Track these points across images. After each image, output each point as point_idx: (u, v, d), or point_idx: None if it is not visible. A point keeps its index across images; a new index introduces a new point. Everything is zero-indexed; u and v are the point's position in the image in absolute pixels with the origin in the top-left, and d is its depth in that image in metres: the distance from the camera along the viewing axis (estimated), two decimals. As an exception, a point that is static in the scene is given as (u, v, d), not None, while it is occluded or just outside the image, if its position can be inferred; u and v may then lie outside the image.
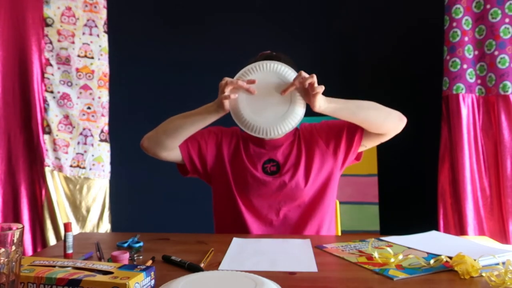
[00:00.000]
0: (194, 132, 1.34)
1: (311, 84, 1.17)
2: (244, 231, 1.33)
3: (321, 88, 1.17)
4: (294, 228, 1.34)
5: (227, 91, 1.20)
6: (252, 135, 1.31)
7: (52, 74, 2.45)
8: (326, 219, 1.38)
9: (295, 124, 1.23)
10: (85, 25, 2.48)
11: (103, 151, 2.52)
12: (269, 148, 1.39)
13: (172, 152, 1.35)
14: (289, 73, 1.22)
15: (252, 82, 1.21)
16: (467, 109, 2.12)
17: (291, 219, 1.34)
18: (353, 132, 1.36)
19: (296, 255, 1.03)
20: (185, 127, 1.30)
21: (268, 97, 1.21)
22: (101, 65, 2.50)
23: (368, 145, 1.40)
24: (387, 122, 1.32)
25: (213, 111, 1.26)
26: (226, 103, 1.21)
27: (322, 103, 1.20)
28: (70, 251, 1.03)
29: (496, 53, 2.05)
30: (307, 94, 1.20)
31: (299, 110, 1.22)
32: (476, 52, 2.13)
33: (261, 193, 1.34)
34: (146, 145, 1.37)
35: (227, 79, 1.22)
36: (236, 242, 1.15)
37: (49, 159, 2.44)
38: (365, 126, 1.33)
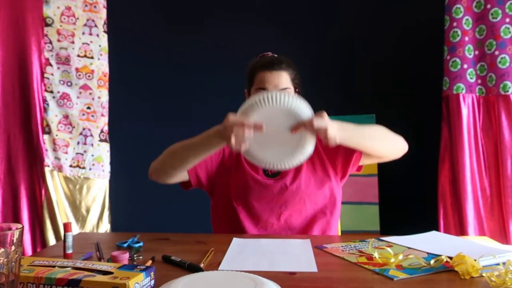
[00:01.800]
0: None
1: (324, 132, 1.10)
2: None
3: (333, 131, 1.10)
4: (296, 234, 1.34)
5: (237, 137, 1.08)
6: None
7: (52, 74, 2.45)
8: (330, 226, 1.37)
9: (303, 159, 1.16)
10: (85, 25, 2.48)
11: (103, 151, 2.52)
12: None
13: (180, 176, 1.34)
14: (300, 108, 1.10)
15: (259, 127, 1.09)
16: (467, 109, 2.12)
17: (292, 224, 1.33)
18: (351, 152, 1.35)
19: (296, 255, 1.03)
20: (190, 160, 1.27)
21: (277, 133, 1.11)
22: (101, 65, 2.50)
23: (366, 163, 1.40)
24: (390, 153, 1.32)
25: (216, 144, 1.18)
26: (237, 146, 1.09)
27: (335, 138, 1.11)
28: (69, 251, 1.03)
29: (496, 53, 2.05)
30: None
31: (309, 147, 1.14)
32: (477, 52, 2.12)
33: (262, 196, 1.33)
34: (155, 177, 1.34)
35: (232, 119, 1.08)
36: (236, 242, 1.15)
37: (48, 159, 2.44)
38: (368, 153, 1.32)
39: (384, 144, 1.31)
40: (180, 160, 1.28)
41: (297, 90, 1.41)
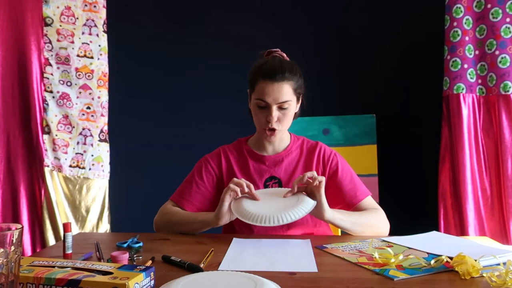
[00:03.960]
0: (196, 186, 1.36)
1: (313, 178, 1.15)
2: None
3: (323, 178, 1.16)
4: None
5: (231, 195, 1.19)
6: (250, 151, 1.33)
7: (52, 74, 2.44)
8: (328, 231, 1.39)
9: (304, 213, 1.15)
10: (85, 24, 2.47)
11: (103, 151, 2.51)
12: (270, 164, 1.37)
13: None
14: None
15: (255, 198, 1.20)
16: (467, 109, 2.11)
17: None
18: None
19: (296, 255, 1.03)
20: (189, 231, 1.28)
21: (274, 201, 1.19)
22: (101, 65, 2.49)
23: None
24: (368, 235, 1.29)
25: (213, 224, 1.23)
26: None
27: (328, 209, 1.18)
28: (69, 251, 1.02)
29: (497, 52, 2.05)
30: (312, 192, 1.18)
31: (310, 201, 1.17)
32: (477, 52, 2.12)
33: None
34: (156, 228, 1.36)
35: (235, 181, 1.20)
36: (236, 242, 1.15)
37: (48, 159, 2.43)
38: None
39: (365, 233, 1.27)
40: (176, 226, 1.29)
41: (300, 98, 1.37)
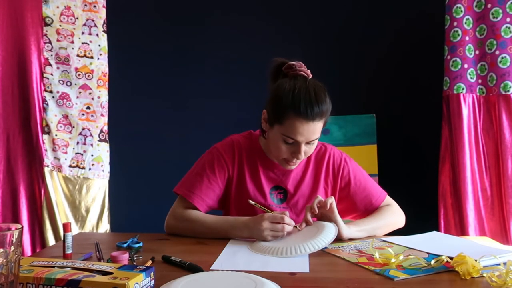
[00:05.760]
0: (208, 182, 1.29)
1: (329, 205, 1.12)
2: None
3: (332, 199, 1.13)
4: None
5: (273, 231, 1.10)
6: (262, 153, 1.28)
7: (51, 74, 2.44)
8: None
9: (333, 236, 1.09)
10: (85, 24, 2.47)
11: (103, 151, 2.51)
12: (278, 172, 1.30)
13: None
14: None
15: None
16: (467, 109, 2.11)
17: None
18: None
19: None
20: (209, 236, 1.21)
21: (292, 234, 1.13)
22: (101, 65, 2.49)
23: None
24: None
25: (244, 235, 1.16)
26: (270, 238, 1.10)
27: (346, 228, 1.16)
28: (69, 251, 1.02)
29: (497, 52, 2.05)
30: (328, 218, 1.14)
31: (330, 225, 1.12)
32: (477, 52, 2.12)
33: None
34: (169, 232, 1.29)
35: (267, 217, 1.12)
36: (233, 243, 1.14)
37: (48, 159, 2.43)
38: None
39: (384, 233, 1.27)
40: (198, 234, 1.22)
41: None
